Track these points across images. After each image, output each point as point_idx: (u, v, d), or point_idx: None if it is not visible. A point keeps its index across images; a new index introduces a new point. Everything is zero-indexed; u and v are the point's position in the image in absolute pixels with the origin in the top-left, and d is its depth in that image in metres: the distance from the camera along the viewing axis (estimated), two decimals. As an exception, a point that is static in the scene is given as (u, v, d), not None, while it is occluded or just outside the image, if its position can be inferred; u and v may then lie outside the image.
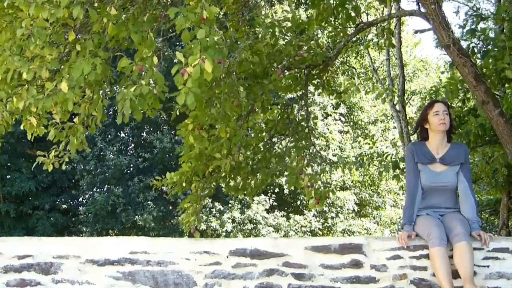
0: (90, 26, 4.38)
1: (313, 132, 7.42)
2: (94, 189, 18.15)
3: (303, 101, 6.74)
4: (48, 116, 5.16)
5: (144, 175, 17.42)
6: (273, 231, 17.37)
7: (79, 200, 19.18)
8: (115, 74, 6.34)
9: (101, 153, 17.49)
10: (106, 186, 18.02)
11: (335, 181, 18.74)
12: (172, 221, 17.18)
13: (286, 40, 6.36)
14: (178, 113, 5.66)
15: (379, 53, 16.84)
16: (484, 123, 7.06)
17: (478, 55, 6.28)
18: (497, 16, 6.67)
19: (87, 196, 18.34)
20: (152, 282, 3.54)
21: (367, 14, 10.08)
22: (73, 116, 5.15)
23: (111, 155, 17.27)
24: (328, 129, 18.68)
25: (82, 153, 16.43)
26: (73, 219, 18.78)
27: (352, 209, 19.00)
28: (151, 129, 18.73)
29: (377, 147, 18.18)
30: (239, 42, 5.97)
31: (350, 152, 18.89)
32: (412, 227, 3.62)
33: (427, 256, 3.50)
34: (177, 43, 17.19)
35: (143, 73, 4.09)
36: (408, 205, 3.69)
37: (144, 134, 19.17)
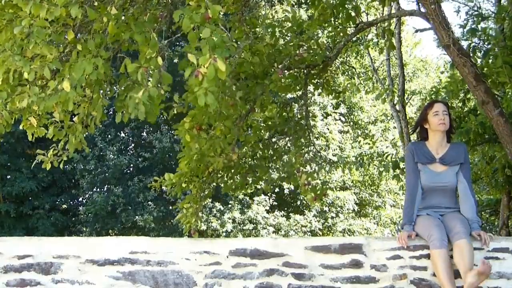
0: (91, 26, 4.38)
1: (312, 131, 7.43)
2: (94, 189, 18.15)
3: (302, 100, 6.75)
4: (48, 116, 5.16)
5: (144, 175, 17.42)
6: (273, 231, 17.36)
7: (79, 200, 19.19)
8: (115, 74, 6.34)
9: (101, 153, 17.49)
10: (106, 186, 18.02)
11: (335, 181, 18.74)
12: (172, 221, 17.16)
13: (286, 40, 6.36)
14: (175, 112, 5.66)
15: (379, 53, 16.84)
16: (485, 122, 7.07)
17: (479, 54, 6.28)
18: (498, 16, 6.67)
19: (87, 196, 18.34)
20: (152, 282, 3.54)
21: (367, 14, 10.09)
22: (72, 116, 5.15)
23: (111, 155, 17.27)
24: (328, 129, 18.67)
25: (82, 153, 16.43)
26: (73, 219, 18.79)
27: (352, 209, 18.99)
28: (151, 129, 18.73)
29: (377, 147, 18.18)
30: (239, 42, 5.97)
31: (350, 152, 18.88)
32: (412, 227, 3.62)
33: (427, 256, 3.50)
34: (177, 43, 17.18)
35: (148, 74, 4.09)
36: (408, 205, 3.69)
37: (144, 134, 19.17)
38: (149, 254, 3.59)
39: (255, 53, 5.87)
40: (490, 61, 5.97)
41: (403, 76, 10.81)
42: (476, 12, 7.90)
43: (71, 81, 4.12)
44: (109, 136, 18.11)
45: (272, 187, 17.19)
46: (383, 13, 7.78)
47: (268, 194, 18.06)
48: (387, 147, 18.94)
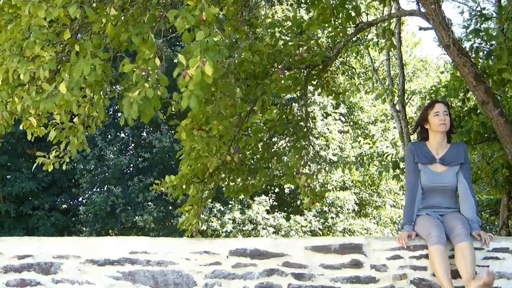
0: (90, 26, 4.38)
1: (312, 132, 7.44)
2: (94, 189, 18.16)
3: (302, 101, 6.75)
4: (48, 116, 5.16)
5: (144, 175, 17.42)
6: (273, 232, 17.36)
7: (79, 200, 19.20)
8: (116, 74, 6.34)
9: (101, 153, 17.49)
10: (106, 186, 18.03)
11: (335, 181, 18.74)
12: (172, 221, 17.17)
13: (286, 40, 6.36)
14: (173, 110, 5.65)
15: (379, 53, 16.85)
16: (486, 122, 7.07)
17: (480, 54, 6.28)
18: (500, 17, 6.67)
19: (87, 196, 18.35)
20: (152, 282, 3.54)
21: (367, 14, 10.09)
22: (73, 116, 5.15)
23: (111, 155, 17.27)
24: (328, 129, 18.67)
25: (83, 153, 16.43)
26: (73, 219, 18.79)
27: (352, 209, 19.00)
28: (150, 129, 18.74)
29: (377, 147, 18.18)
30: (239, 42, 5.97)
31: (350, 152, 18.88)
32: (412, 227, 3.62)
33: (427, 256, 3.49)
34: (177, 43, 17.19)
35: (146, 75, 4.09)
36: (408, 205, 3.69)
37: (144, 134, 19.18)
38: (149, 254, 3.59)
39: (255, 53, 5.86)
40: (491, 61, 5.97)
41: (403, 76, 10.80)
42: (479, 13, 7.91)
43: (68, 82, 4.11)
44: (109, 136, 18.11)
45: (271, 186, 17.22)
46: (383, 13, 7.78)
47: (268, 194, 18.06)
48: (387, 147, 18.94)
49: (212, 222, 16.75)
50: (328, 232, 18.34)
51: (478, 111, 7.52)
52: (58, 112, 4.79)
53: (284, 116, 6.75)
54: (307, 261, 3.53)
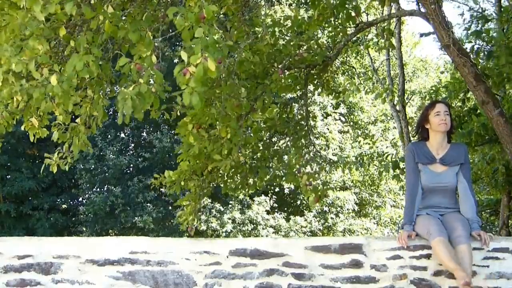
0: (87, 23, 4.38)
1: (312, 131, 7.44)
2: (94, 189, 18.16)
3: (302, 100, 6.75)
4: (49, 117, 5.17)
5: (143, 175, 17.41)
6: (273, 232, 17.36)
7: (79, 200, 19.20)
8: (116, 74, 6.34)
9: (101, 153, 17.49)
10: (106, 186, 18.02)
11: (335, 181, 18.74)
12: (172, 221, 17.16)
13: (286, 40, 6.36)
14: (179, 113, 5.66)
15: (379, 53, 16.84)
16: (486, 123, 7.07)
17: (481, 55, 6.28)
18: (501, 18, 6.68)
19: (86, 196, 18.35)
20: (152, 282, 3.54)
21: (367, 14, 10.08)
22: (74, 117, 5.16)
23: (111, 155, 17.27)
24: (328, 129, 18.67)
25: (82, 153, 16.42)
26: (73, 219, 18.79)
27: (352, 209, 18.99)
28: (151, 129, 18.73)
29: (377, 147, 18.18)
30: (239, 42, 5.96)
31: (350, 152, 18.88)
32: (412, 227, 3.62)
33: (427, 256, 3.50)
34: (177, 43, 17.19)
35: (142, 72, 4.08)
36: (408, 205, 3.69)
37: (144, 134, 19.17)
38: (149, 254, 3.59)
39: (255, 52, 5.86)
40: (492, 61, 5.97)
41: (403, 76, 10.80)
42: (479, 15, 7.91)
43: (60, 76, 4.10)
44: (109, 136, 18.11)
45: (272, 186, 17.22)
46: (383, 13, 7.78)
47: (268, 195, 18.06)
48: (387, 147, 18.94)
49: (212, 222, 16.75)
50: (328, 233, 18.34)
51: (478, 111, 7.51)
52: (58, 112, 4.79)
53: (284, 115, 6.75)
54: (307, 261, 3.53)
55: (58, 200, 18.47)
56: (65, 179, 18.48)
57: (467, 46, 6.71)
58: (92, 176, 17.38)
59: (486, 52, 6.22)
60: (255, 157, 6.72)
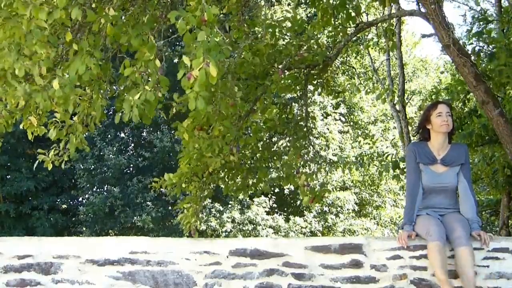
0: (89, 26, 4.39)
1: (312, 131, 7.43)
2: (94, 189, 18.15)
3: (302, 100, 6.75)
4: (48, 115, 5.16)
5: (143, 175, 17.41)
6: (272, 233, 17.36)
7: (79, 200, 19.19)
8: (115, 74, 6.34)
9: (101, 153, 17.48)
10: (106, 186, 18.01)
11: (335, 181, 18.73)
12: (171, 221, 17.16)
13: (286, 40, 6.36)
14: (174, 111, 5.66)
15: (379, 53, 16.85)
16: (487, 124, 7.07)
17: (482, 55, 6.28)
18: (503, 19, 6.68)
19: (86, 196, 18.34)
20: (152, 282, 3.54)
21: (367, 14, 10.08)
22: (73, 115, 5.16)
23: (110, 155, 17.26)
24: (328, 129, 18.67)
25: (82, 153, 16.42)
26: (73, 219, 18.78)
27: (352, 209, 18.99)
28: (151, 129, 18.73)
29: (377, 147, 18.18)
30: (239, 42, 5.97)
31: (350, 152, 18.88)
32: (412, 227, 3.62)
33: (427, 256, 3.49)
34: (177, 43, 17.18)
35: (146, 76, 4.09)
36: (409, 205, 3.69)
37: (144, 134, 19.16)
38: (149, 254, 3.59)
39: (255, 53, 5.86)
40: (492, 63, 5.97)
41: (403, 76, 10.80)
42: (481, 15, 7.91)
43: (62, 80, 4.11)
44: (109, 136, 18.10)
45: (271, 187, 17.22)
46: (383, 13, 7.78)
47: (268, 195, 18.05)
48: (387, 147, 18.94)
49: (211, 222, 16.74)
50: (328, 233, 18.34)
51: (479, 112, 7.51)
52: (57, 111, 4.79)
53: (284, 115, 6.75)
54: (307, 261, 3.53)
55: (58, 200, 18.46)
56: (65, 180, 18.48)
57: (469, 47, 6.73)
58: (91, 176, 17.37)
59: (487, 53, 6.22)
60: (254, 157, 6.71)
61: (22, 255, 3.60)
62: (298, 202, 18.75)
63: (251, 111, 6.11)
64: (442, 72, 18.76)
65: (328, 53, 6.41)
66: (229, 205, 17.37)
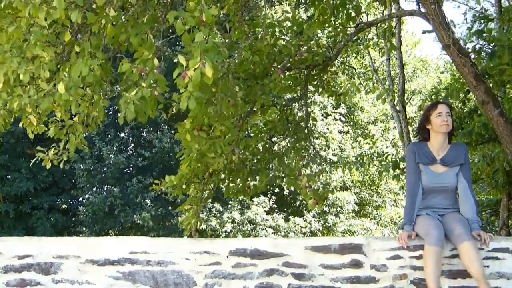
0: (90, 27, 4.39)
1: (312, 132, 7.42)
2: (94, 189, 18.15)
3: (302, 101, 6.74)
4: (48, 113, 5.16)
5: (143, 175, 17.41)
6: (272, 233, 17.36)
7: (79, 200, 19.20)
8: (116, 74, 6.34)
9: (101, 153, 17.49)
10: (106, 186, 18.01)
11: (335, 181, 18.74)
12: (171, 221, 17.17)
13: (286, 40, 6.35)
14: (174, 111, 5.65)
15: (379, 52, 16.86)
16: (487, 122, 7.07)
17: (483, 54, 6.28)
18: (504, 17, 6.67)
19: (86, 196, 18.35)
20: (152, 282, 3.54)
21: (367, 14, 10.09)
22: (72, 115, 5.16)
23: (110, 155, 17.26)
24: (328, 129, 18.67)
25: (81, 153, 16.42)
26: (73, 219, 18.79)
27: (352, 209, 18.99)
28: (151, 129, 18.73)
29: (377, 147, 18.19)
30: (239, 42, 5.96)
31: (350, 152, 18.88)
32: (412, 227, 3.62)
33: (426, 256, 3.50)
34: (177, 43, 17.19)
35: (144, 75, 4.10)
36: (409, 205, 3.70)
37: (144, 133, 19.16)
38: (149, 254, 3.59)
39: (255, 53, 5.85)
40: (493, 62, 5.97)
41: (403, 76, 10.81)
42: (481, 14, 7.91)
43: (67, 82, 4.13)
44: (109, 136, 18.10)
45: (271, 187, 17.22)
46: (383, 13, 7.78)
47: (268, 195, 18.05)
48: (387, 147, 18.95)
49: (211, 221, 16.75)
50: (328, 233, 18.34)
51: (479, 112, 7.51)
52: (59, 111, 4.79)
53: (284, 116, 6.74)
54: (307, 261, 3.53)
55: (58, 200, 18.46)
56: (65, 180, 18.49)
57: (469, 46, 6.72)
58: (91, 176, 17.37)
59: (488, 52, 6.22)
60: (255, 159, 6.71)
61: (22, 255, 3.60)
62: (298, 203, 18.76)
63: (251, 112, 6.10)
64: (442, 72, 18.77)
65: (328, 53, 6.40)
66: (229, 205, 17.37)
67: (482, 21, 7.33)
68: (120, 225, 17.28)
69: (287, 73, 6.36)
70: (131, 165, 18.26)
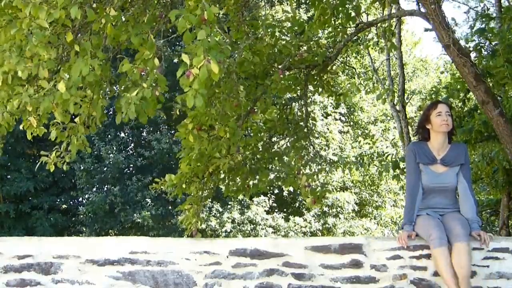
0: (90, 27, 4.39)
1: (312, 132, 7.42)
2: (94, 189, 18.15)
3: (302, 101, 6.74)
4: (48, 115, 5.16)
5: (143, 174, 17.41)
6: (272, 232, 17.36)
7: (79, 200, 19.20)
8: (115, 74, 6.34)
9: (100, 153, 17.50)
10: (106, 186, 18.02)
11: (335, 181, 18.74)
12: (171, 220, 17.17)
13: (286, 40, 6.35)
14: (178, 113, 5.65)
15: (379, 53, 16.86)
16: (487, 121, 7.07)
17: (484, 53, 6.28)
18: (505, 16, 6.67)
19: (86, 196, 18.35)
20: (152, 282, 3.54)
21: (367, 14, 10.08)
22: (73, 117, 5.15)
23: (110, 155, 17.26)
24: (328, 129, 18.67)
25: (80, 153, 16.41)
26: (73, 219, 18.79)
27: (352, 209, 18.99)
28: (150, 129, 18.74)
29: (377, 147, 18.18)
30: (239, 42, 5.96)
31: (350, 152, 18.88)
32: (412, 227, 3.62)
33: (427, 256, 3.50)
34: (177, 43, 17.19)
35: (145, 75, 4.10)
36: (409, 205, 3.69)
37: (144, 134, 19.17)
38: (149, 254, 3.59)
39: (255, 53, 5.85)
40: (491, 61, 5.97)
41: (403, 76, 10.80)
42: (484, 13, 7.91)
43: (67, 82, 4.12)
44: (109, 136, 18.11)
45: (271, 187, 17.22)
46: (383, 13, 7.77)
47: (268, 195, 18.06)
48: (387, 147, 18.95)
49: (211, 221, 16.75)
50: (328, 233, 18.34)
51: (479, 112, 7.51)
52: (58, 112, 4.78)
53: (284, 116, 6.74)
54: (307, 261, 3.53)
55: (58, 200, 18.46)
56: (65, 180, 18.49)
57: (471, 44, 6.70)
58: (90, 176, 17.38)
59: (489, 51, 6.22)
60: (255, 158, 6.71)
61: (22, 255, 3.60)
62: (298, 203, 18.76)
63: (251, 112, 6.10)
64: (442, 72, 18.76)
65: (328, 53, 6.40)
66: (229, 205, 17.37)
67: (483, 19, 7.32)
68: (120, 224, 17.28)
69: (287, 73, 6.36)
70: (131, 165, 18.26)
